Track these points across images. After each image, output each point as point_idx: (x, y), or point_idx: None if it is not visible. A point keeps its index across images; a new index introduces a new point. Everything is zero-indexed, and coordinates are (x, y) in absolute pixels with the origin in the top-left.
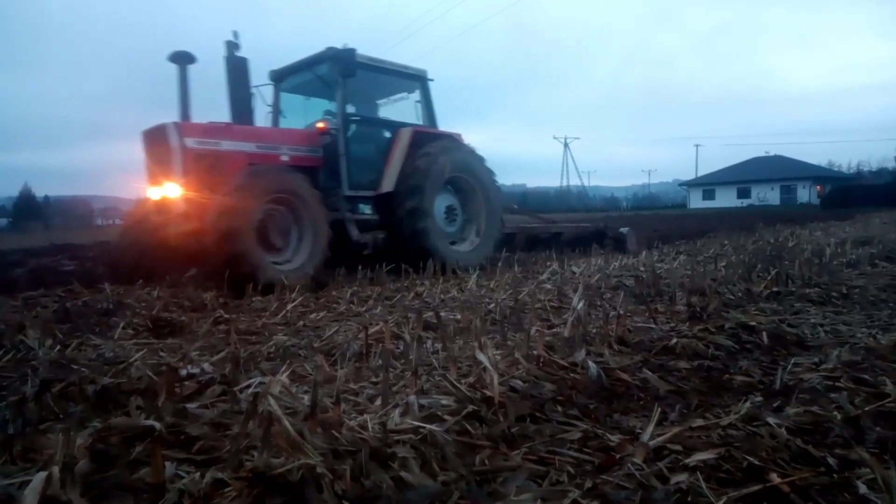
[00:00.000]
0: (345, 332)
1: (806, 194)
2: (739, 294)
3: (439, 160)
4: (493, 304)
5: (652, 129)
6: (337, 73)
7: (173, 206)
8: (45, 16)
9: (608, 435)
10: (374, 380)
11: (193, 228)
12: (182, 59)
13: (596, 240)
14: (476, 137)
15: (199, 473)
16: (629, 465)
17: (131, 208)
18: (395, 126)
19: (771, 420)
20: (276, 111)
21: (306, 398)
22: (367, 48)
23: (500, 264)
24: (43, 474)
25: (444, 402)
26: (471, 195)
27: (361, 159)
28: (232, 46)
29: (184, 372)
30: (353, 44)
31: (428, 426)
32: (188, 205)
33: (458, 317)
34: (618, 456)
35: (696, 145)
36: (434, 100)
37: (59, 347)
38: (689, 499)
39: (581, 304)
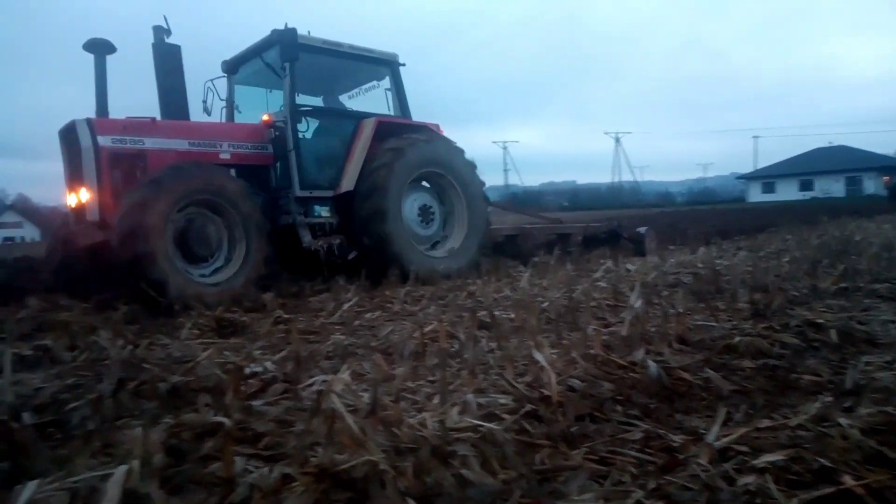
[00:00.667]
0: (400, 332)
1: (872, 186)
2: (805, 290)
3: (407, 154)
4: (547, 303)
5: (707, 122)
6: (280, 57)
7: (87, 213)
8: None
9: (671, 435)
10: (430, 378)
11: (105, 239)
12: (99, 49)
13: (609, 241)
14: (524, 135)
15: (267, 468)
16: (694, 465)
17: (61, 217)
18: (357, 117)
19: (842, 420)
20: (231, 106)
21: (366, 396)
22: (410, 46)
23: (552, 262)
24: (124, 468)
25: (501, 400)
26: (450, 194)
27: (318, 156)
28: (161, 32)
29: (248, 370)
30: (400, 42)
31: (487, 425)
32: (102, 212)
33: (512, 316)
34: (681, 456)
35: (755, 137)
36: (473, 100)
37: (130, 347)
38: (758, 501)
39: (639, 303)
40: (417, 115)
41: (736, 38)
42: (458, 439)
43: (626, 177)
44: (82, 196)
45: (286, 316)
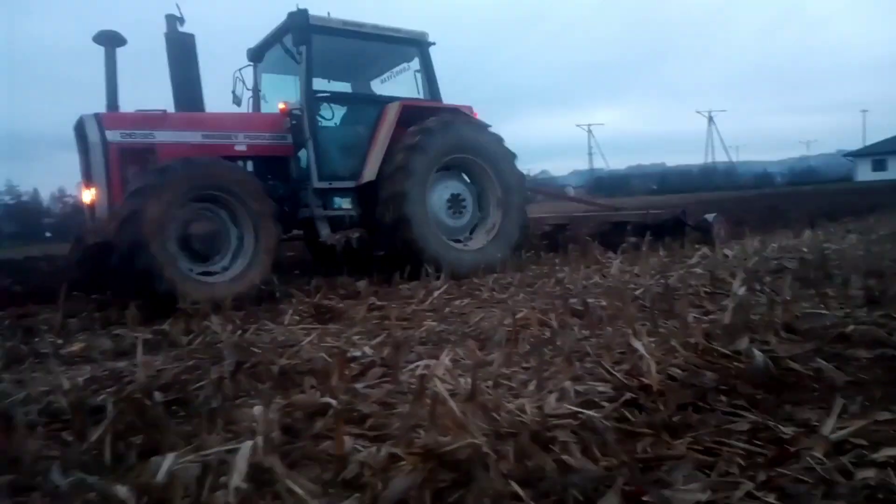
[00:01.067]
0: (490, 319)
1: None
2: None
3: (431, 139)
4: (641, 290)
5: (809, 97)
6: (292, 41)
7: (97, 210)
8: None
9: (780, 427)
10: (524, 365)
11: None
12: (109, 41)
13: (672, 229)
14: (610, 117)
15: (374, 448)
16: (808, 458)
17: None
18: (381, 102)
19: None
20: (257, 95)
21: (464, 381)
22: (491, 34)
23: (644, 248)
24: (249, 443)
25: (600, 388)
26: (483, 181)
27: (338, 144)
28: (174, 21)
29: (347, 355)
30: (480, 31)
31: (586, 412)
32: (112, 208)
33: (604, 303)
34: (793, 449)
35: (863, 111)
36: (556, 83)
37: (239, 332)
38: (880, 496)
39: (742, 289)
40: (502, 102)
41: (838, 5)
42: (557, 425)
43: (721, 157)
44: (93, 193)
45: (379, 303)
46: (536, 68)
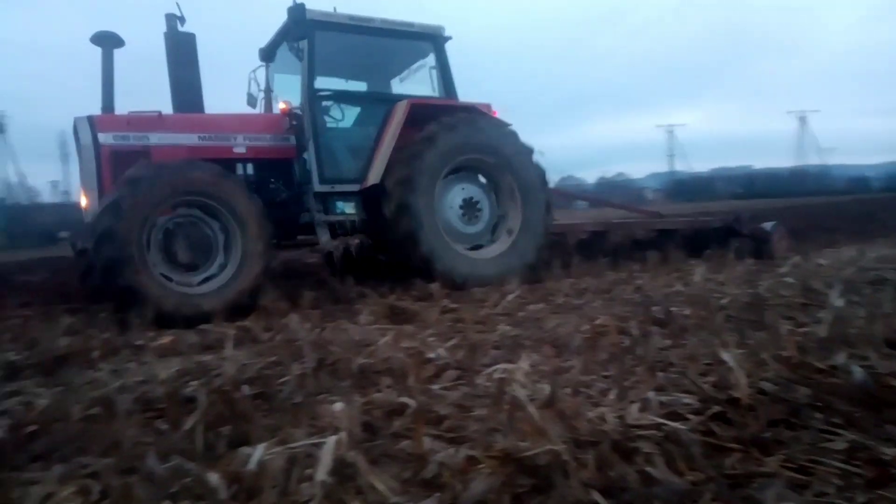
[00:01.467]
0: (566, 325)
1: None
2: None
3: (441, 139)
4: (727, 300)
5: None
6: (290, 36)
7: (88, 214)
8: None
9: (881, 447)
10: (604, 373)
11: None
12: (107, 42)
13: (724, 238)
14: (693, 117)
15: (452, 449)
16: None
17: None
18: (391, 100)
19: None
20: (269, 96)
21: (540, 387)
22: (570, 33)
23: (730, 255)
24: (334, 438)
25: (685, 400)
26: (502, 185)
27: (342, 145)
28: (174, 20)
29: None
30: (559, 31)
31: (671, 423)
32: None
33: (688, 312)
34: (894, 471)
35: None
36: (637, 84)
37: (317, 330)
38: None
39: (840, 301)
40: (578, 102)
41: None
42: (640, 436)
43: (812, 160)
44: (87, 197)
45: (452, 305)
46: (615, 67)
